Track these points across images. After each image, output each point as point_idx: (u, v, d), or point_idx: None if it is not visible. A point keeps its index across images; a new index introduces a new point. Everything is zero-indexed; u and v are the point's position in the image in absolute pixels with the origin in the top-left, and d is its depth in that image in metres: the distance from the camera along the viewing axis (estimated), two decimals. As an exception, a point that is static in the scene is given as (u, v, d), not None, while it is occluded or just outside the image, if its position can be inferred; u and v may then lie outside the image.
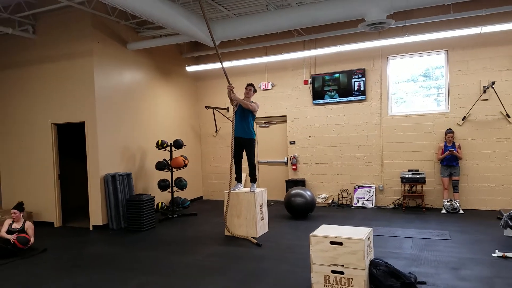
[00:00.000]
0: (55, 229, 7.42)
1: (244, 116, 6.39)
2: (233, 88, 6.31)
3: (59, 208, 7.69)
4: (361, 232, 4.00)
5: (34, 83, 7.74)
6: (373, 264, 3.91)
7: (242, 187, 6.67)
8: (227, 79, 6.30)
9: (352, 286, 3.80)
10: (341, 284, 3.85)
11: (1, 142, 8.16)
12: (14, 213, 5.92)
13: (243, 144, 6.45)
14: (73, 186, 9.27)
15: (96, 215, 7.26)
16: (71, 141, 9.32)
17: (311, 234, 4.04)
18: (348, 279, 3.82)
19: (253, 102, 6.45)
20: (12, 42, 7.85)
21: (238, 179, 6.65)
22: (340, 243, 3.85)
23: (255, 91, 6.62)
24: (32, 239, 5.91)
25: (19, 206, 6.03)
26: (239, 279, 4.43)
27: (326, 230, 4.16)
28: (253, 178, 6.59)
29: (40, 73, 7.66)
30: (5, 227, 5.92)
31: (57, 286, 4.43)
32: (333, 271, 3.88)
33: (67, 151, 8.93)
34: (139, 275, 4.71)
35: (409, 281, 3.75)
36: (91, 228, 7.27)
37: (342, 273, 3.84)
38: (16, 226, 5.94)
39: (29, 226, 6.00)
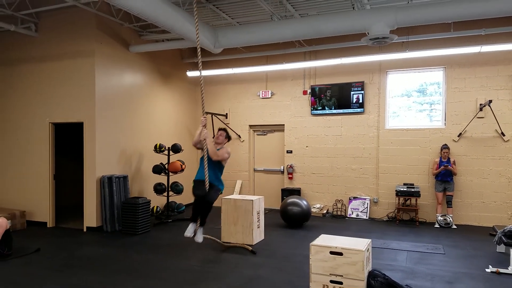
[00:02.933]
0: (48, 229, 7.33)
1: (214, 163, 5.41)
2: (206, 121, 5.35)
3: (53, 208, 7.59)
4: (361, 243, 4.04)
5: (34, 81, 7.69)
6: (372, 275, 3.95)
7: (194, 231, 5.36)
8: (203, 107, 5.41)
9: (351, 296, 3.83)
10: (340, 294, 3.88)
11: None
12: None
13: (211, 187, 5.30)
14: (67, 186, 9.20)
15: (91, 217, 7.20)
16: (67, 140, 9.26)
17: (311, 244, 4.06)
18: (347, 289, 3.84)
19: (223, 148, 5.57)
20: (14, 39, 7.81)
21: (194, 219, 5.35)
22: (340, 253, 3.88)
23: (228, 138, 5.77)
24: None
25: None
26: (236, 286, 4.42)
27: (326, 240, 4.20)
28: (204, 221, 5.40)
29: (41, 72, 7.62)
30: None
31: (50, 287, 4.38)
32: (332, 281, 3.91)
33: (62, 151, 8.85)
34: (133, 278, 4.68)
35: (406, 293, 3.79)
36: (84, 230, 7.20)
37: (341, 283, 3.87)
38: None
39: None
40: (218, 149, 5.51)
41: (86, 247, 6.12)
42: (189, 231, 5.26)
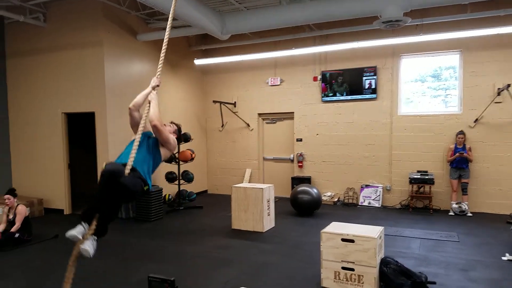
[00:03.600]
0: (65, 216, 7.51)
1: (149, 148, 3.46)
2: (160, 83, 3.79)
3: (69, 196, 7.78)
4: (373, 231, 3.95)
5: (45, 72, 7.73)
6: (384, 262, 3.87)
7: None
8: (159, 67, 3.82)
9: (363, 283, 3.76)
10: (351, 281, 3.81)
11: (12, 130, 8.21)
12: (8, 199, 5.76)
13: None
14: (82, 175, 9.30)
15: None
16: (81, 130, 9.31)
17: (322, 231, 4.00)
18: (359, 276, 3.77)
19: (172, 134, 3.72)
20: (23, 30, 7.83)
21: (87, 217, 3.29)
22: (352, 241, 3.80)
23: (179, 133, 4.01)
24: (17, 224, 5.64)
25: (12, 192, 5.87)
26: (248, 272, 4.41)
27: (337, 227, 4.13)
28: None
29: (51, 62, 7.65)
30: (4, 222, 5.79)
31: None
32: (343, 268, 3.84)
33: (76, 140, 8.94)
34: (148, 263, 4.72)
35: (420, 280, 3.71)
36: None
37: (352, 270, 3.80)
38: (10, 215, 5.77)
39: (18, 211, 5.75)
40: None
41: (101, 233, 6.19)
42: (76, 231, 3.18)
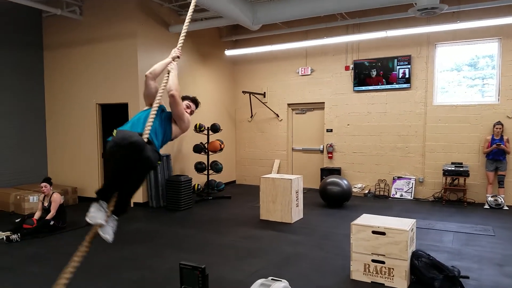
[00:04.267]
0: None
1: (164, 120, 3.29)
2: (180, 54, 3.48)
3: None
4: (405, 223, 3.91)
5: (80, 63, 7.99)
6: (415, 255, 3.82)
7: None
8: (182, 39, 3.48)
9: (393, 276, 3.74)
10: (381, 274, 3.80)
11: (49, 120, 8.52)
12: (45, 187, 5.84)
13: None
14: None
15: (137, 193, 7.33)
16: (115, 120, 9.58)
17: (352, 223, 3.99)
18: (389, 269, 3.75)
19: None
20: (60, 23, 8.09)
21: (105, 195, 3.05)
22: (383, 233, 3.78)
23: (195, 103, 3.75)
24: (52, 212, 5.78)
25: (48, 180, 5.95)
26: (275, 262, 4.46)
27: (368, 219, 4.11)
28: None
29: (86, 54, 7.89)
30: (40, 210, 5.92)
31: (103, 258, 4.62)
32: (373, 260, 3.83)
33: (110, 131, 9.19)
34: (178, 251, 4.85)
35: (452, 274, 3.64)
36: (132, 205, 7.52)
37: (383, 262, 3.78)
38: (46, 203, 5.89)
39: (53, 199, 5.85)
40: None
41: (133, 221, 6.39)
42: (95, 216, 3.02)
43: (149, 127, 2.85)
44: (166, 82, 3.17)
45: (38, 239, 5.44)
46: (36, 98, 8.37)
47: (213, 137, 8.50)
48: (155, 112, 2.96)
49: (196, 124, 8.12)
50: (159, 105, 3.08)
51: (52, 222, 5.74)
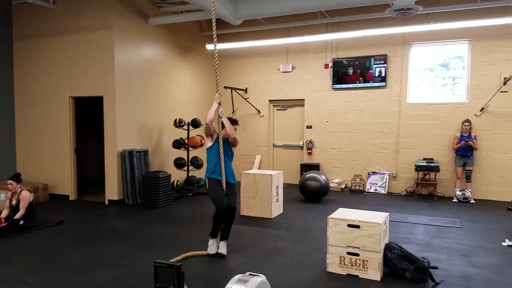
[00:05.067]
0: (70, 202, 7.55)
1: (228, 152, 4.72)
2: (221, 98, 4.72)
3: (75, 182, 7.77)
4: (378, 217, 4.11)
5: (52, 55, 7.71)
6: (388, 247, 4.03)
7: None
8: (217, 83, 4.87)
9: (367, 268, 3.94)
10: (356, 266, 4.00)
11: (18, 114, 8.19)
12: (10, 184, 5.58)
13: (230, 189, 4.63)
14: (89, 160, 9.45)
15: (112, 190, 7.38)
16: (88, 114, 9.41)
17: (328, 217, 4.16)
18: (363, 261, 3.95)
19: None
20: (31, 12, 7.80)
21: (215, 234, 4.65)
22: (358, 226, 3.97)
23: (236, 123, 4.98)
24: (21, 211, 5.55)
25: (16, 177, 5.69)
26: (255, 257, 4.57)
27: (344, 213, 4.29)
28: (228, 234, 4.69)
29: (59, 45, 7.63)
30: (7, 208, 5.69)
31: (77, 257, 4.58)
32: (348, 253, 4.02)
33: (83, 125, 8.99)
34: (155, 249, 4.84)
35: (422, 265, 3.87)
36: (106, 203, 7.40)
37: (357, 255, 3.98)
38: (14, 201, 5.65)
39: (22, 197, 5.60)
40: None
41: (108, 219, 6.32)
42: (212, 248, 4.55)
43: (224, 173, 4.54)
44: (221, 127, 4.64)
45: (6, 238, 5.23)
46: (4, 90, 8.00)
47: (194, 132, 8.54)
48: (223, 158, 4.56)
49: (175, 119, 8.14)
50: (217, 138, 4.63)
51: (21, 222, 5.51)
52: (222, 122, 4.59)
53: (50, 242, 5.15)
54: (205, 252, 4.63)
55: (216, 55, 4.85)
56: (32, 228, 5.66)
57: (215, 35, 4.89)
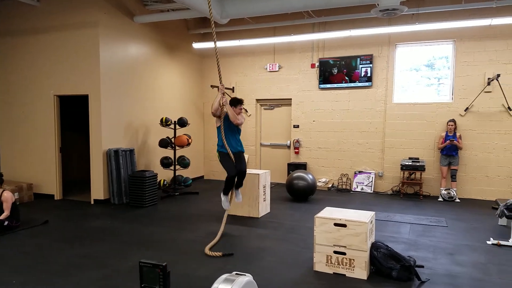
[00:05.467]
0: (55, 202, 7.45)
1: (234, 128, 5.50)
2: (224, 89, 5.41)
3: (60, 181, 7.68)
4: (364, 215, 4.12)
5: (38, 52, 7.61)
6: (374, 246, 4.04)
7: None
8: (220, 76, 5.46)
9: (354, 266, 3.95)
10: (343, 265, 4.00)
11: (2, 112, 8.07)
12: None
13: (238, 157, 5.45)
14: (74, 159, 9.31)
15: (98, 190, 7.31)
16: (73, 113, 9.28)
17: (315, 216, 4.15)
18: (350, 259, 3.96)
19: (240, 114, 5.59)
20: (15, 10, 7.67)
21: (227, 192, 5.52)
22: (344, 225, 3.97)
23: (241, 103, 5.66)
24: (6, 212, 5.48)
25: None
26: (242, 257, 4.55)
27: (331, 212, 4.28)
28: (241, 184, 5.63)
29: (44, 43, 7.53)
30: None
31: (62, 257, 4.52)
32: (335, 252, 4.02)
33: (68, 124, 8.88)
34: (142, 249, 4.80)
35: (408, 264, 3.89)
36: (92, 202, 7.32)
37: (344, 253, 3.98)
38: None
39: (5, 198, 5.50)
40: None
41: (94, 219, 6.25)
42: (226, 204, 5.46)
43: (227, 147, 5.29)
44: (226, 112, 5.36)
45: (-10, 239, 5.14)
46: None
47: (180, 131, 8.47)
48: (223, 134, 5.33)
49: (162, 118, 8.06)
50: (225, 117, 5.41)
51: (6, 223, 5.41)
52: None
53: (34, 242, 5.08)
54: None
55: (217, 51, 5.30)
56: (16, 228, 5.57)
57: (214, 33, 5.24)
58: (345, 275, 3.98)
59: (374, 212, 4.30)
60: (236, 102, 5.47)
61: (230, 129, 5.41)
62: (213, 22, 5.10)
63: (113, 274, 4.05)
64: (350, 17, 8.03)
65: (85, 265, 4.27)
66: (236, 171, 5.30)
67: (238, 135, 5.59)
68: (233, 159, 5.30)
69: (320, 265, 4.11)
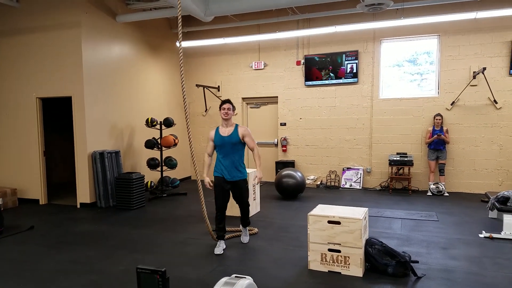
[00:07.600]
0: (40, 207, 7.26)
1: (236, 147, 4.54)
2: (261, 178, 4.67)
3: (45, 185, 7.51)
4: (358, 212, 4.05)
5: (18, 54, 7.42)
6: (369, 243, 3.98)
7: (225, 246, 4.72)
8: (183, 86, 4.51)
9: (349, 264, 3.87)
10: (338, 262, 3.92)
11: None
12: None
13: (235, 187, 4.61)
14: (58, 163, 9.08)
15: (84, 193, 7.13)
16: (57, 116, 9.06)
17: (309, 214, 4.07)
18: (345, 257, 3.88)
19: (247, 133, 4.60)
20: (-6, 11, 7.47)
21: (222, 237, 4.69)
22: (338, 222, 3.90)
23: (234, 109, 4.64)
24: None
25: None
26: (235, 258, 4.44)
27: (324, 210, 4.21)
28: (246, 222, 4.95)
29: (24, 44, 7.34)
30: None
31: (50, 263, 4.37)
32: (330, 250, 3.94)
33: (52, 127, 8.68)
34: (130, 252, 4.67)
35: (404, 260, 3.84)
36: (78, 206, 7.15)
37: (339, 251, 3.90)
38: None
39: None
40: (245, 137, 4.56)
41: (80, 223, 6.08)
42: (219, 249, 4.57)
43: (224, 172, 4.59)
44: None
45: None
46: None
47: (167, 131, 8.32)
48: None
49: (147, 119, 7.87)
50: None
51: None
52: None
53: (20, 248, 4.92)
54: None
55: (182, 62, 4.51)
56: (0, 234, 5.40)
57: (180, 36, 4.53)
58: (340, 273, 3.91)
59: (367, 209, 4.25)
60: (222, 103, 4.57)
61: (227, 154, 4.50)
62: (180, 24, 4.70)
63: (102, 279, 3.90)
64: (335, 13, 7.98)
65: (73, 271, 4.13)
66: (223, 206, 4.51)
67: (238, 157, 4.55)
68: (224, 188, 4.50)
69: (315, 264, 4.03)
